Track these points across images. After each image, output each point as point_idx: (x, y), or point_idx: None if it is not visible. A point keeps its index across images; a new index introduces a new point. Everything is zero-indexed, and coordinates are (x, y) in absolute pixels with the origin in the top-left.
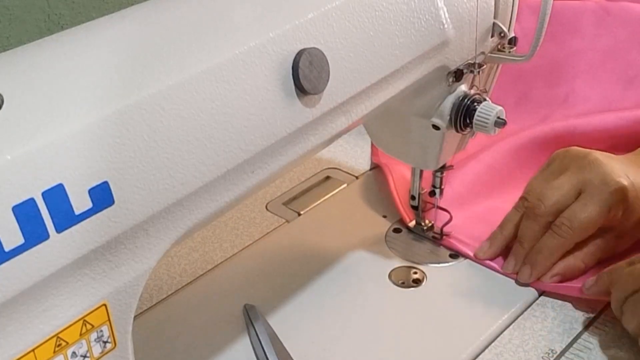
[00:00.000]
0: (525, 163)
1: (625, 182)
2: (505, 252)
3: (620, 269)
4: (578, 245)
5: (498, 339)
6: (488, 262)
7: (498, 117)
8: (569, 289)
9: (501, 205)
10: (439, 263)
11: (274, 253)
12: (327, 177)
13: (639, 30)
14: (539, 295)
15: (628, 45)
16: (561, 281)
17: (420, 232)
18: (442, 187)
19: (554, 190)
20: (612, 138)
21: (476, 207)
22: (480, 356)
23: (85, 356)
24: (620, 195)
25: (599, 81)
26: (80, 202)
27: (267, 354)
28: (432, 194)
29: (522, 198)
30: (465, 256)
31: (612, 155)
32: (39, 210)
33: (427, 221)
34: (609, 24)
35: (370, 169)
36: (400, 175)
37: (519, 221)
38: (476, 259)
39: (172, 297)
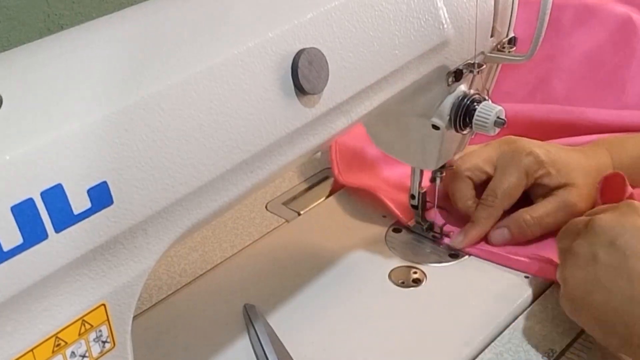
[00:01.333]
0: None
1: (536, 149)
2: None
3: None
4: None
5: (498, 338)
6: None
7: (498, 117)
8: (494, 255)
9: None
10: (439, 263)
11: (273, 253)
12: (327, 177)
13: (618, 32)
14: (539, 295)
15: (607, 49)
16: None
17: (420, 232)
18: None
19: (475, 155)
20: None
21: None
22: (480, 356)
23: (84, 356)
24: (533, 157)
25: (572, 81)
26: (79, 202)
27: (267, 353)
28: (432, 180)
29: None
30: (466, 255)
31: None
32: (37, 210)
33: (426, 221)
34: (590, 23)
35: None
36: (380, 181)
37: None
38: (480, 257)
39: (172, 297)
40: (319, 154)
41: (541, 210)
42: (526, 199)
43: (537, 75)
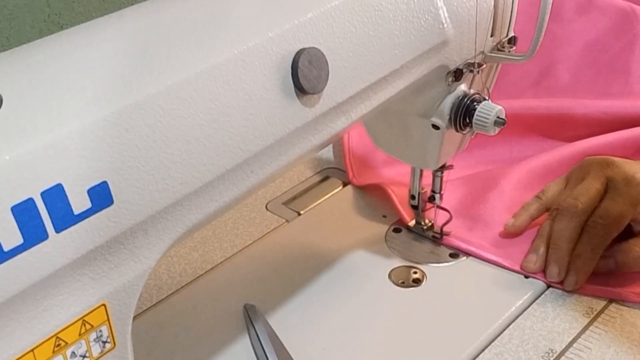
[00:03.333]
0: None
1: None
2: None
3: None
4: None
5: (498, 338)
6: (493, 257)
7: (498, 117)
8: (611, 293)
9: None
10: (439, 263)
11: (274, 253)
12: (327, 177)
13: (619, 19)
14: (539, 295)
15: (609, 37)
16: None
17: (420, 232)
18: (442, 192)
19: (584, 191)
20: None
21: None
22: (480, 356)
23: (84, 356)
24: None
25: (577, 69)
26: (79, 202)
27: (267, 353)
28: (431, 199)
29: (554, 209)
30: (466, 255)
31: (628, 159)
32: (38, 210)
33: (427, 220)
34: (591, 13)
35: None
36: (391, 179)
37: (549, 224)
38: (481, 259)
39: (172, 297)
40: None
41: None
42: None
43: (541, 65)
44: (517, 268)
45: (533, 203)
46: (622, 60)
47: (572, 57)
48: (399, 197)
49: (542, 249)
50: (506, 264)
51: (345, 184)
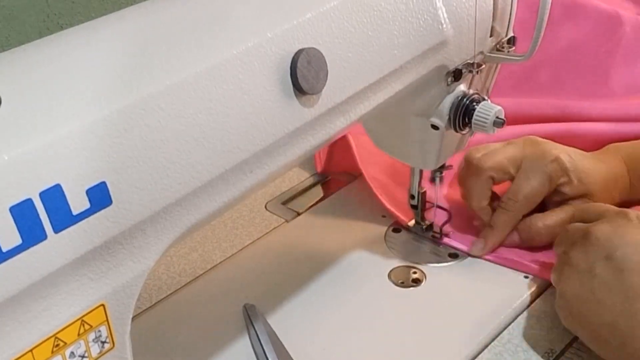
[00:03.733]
0: None
1: (561, 155)
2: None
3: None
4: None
5: (497, 338)
6: (492, 257)
7: (497, 117)
8: (511, 262)
9: None
10: (438, 263)
11: (273, 253)
12: (327, 177)
13: (603, 23)
14: (539, 295)
15: (594, 38)
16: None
17: (420, 232)
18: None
19: (498, 152)
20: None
21: None
22: (480, 356)
23: (83, 356)
24: (558, 164)
25: (559, 71)
26: (78, 202)
27: (267, 353)
28: (432, 180)
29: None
30: (465, 255)
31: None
32: (36, 210)
33: (426, 220)
34: (577, 18)
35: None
36: (373, 177)
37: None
38: (481, 259)
39: (172, 297)
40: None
41: (554, 219)
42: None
43: (523, 66)
44: (517, 268)
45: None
46: (603, 63)
47: (555, 59)
48: (395, 199)
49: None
50: (506, 263)
51: (345, 184)
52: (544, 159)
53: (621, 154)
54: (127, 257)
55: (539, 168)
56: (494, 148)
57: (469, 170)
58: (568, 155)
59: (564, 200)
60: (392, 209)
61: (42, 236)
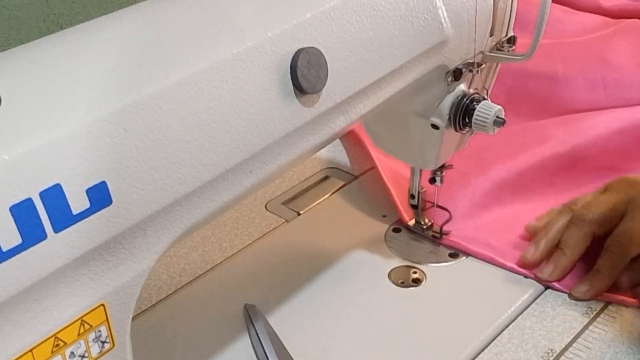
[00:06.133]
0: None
1: None
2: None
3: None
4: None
5: (497, 338)
6: (493, 257)
7: (497, 117)
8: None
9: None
10: (438, 262)
11: (273, 253)
12: (327, 177)
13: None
14: (539, 295)
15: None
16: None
17: (420, 232)
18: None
19: (600, 203)
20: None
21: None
22: (480, 356)
23: (83, 356)
24: None
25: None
26: (78, 202)
27: (267, 353)
28: (432, 181)
29: (568, 205)
30: (465, 255)
31: None
32: (36, 210)
33: (426, 220)
34: (574, 12)
35: (368, 169)
36: (394, 172)
37: (562, 227)
38: (483, 259)
39: (172, 297)
40: None
41: None
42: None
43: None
44: (517, 268)
45: (563, 214)
46: (598, 48)
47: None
48: (399, 196)
49: (542, 245)
50: (506, 263)
51: (345, 184)
52: None
53: None
54: (127, 257)
55: None
56: (593, 198)
57: (570, 219)
58: None
59: None
60: (398, 205)
61: (42, 236)
